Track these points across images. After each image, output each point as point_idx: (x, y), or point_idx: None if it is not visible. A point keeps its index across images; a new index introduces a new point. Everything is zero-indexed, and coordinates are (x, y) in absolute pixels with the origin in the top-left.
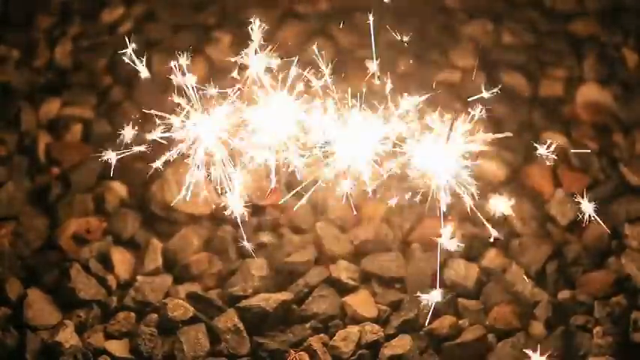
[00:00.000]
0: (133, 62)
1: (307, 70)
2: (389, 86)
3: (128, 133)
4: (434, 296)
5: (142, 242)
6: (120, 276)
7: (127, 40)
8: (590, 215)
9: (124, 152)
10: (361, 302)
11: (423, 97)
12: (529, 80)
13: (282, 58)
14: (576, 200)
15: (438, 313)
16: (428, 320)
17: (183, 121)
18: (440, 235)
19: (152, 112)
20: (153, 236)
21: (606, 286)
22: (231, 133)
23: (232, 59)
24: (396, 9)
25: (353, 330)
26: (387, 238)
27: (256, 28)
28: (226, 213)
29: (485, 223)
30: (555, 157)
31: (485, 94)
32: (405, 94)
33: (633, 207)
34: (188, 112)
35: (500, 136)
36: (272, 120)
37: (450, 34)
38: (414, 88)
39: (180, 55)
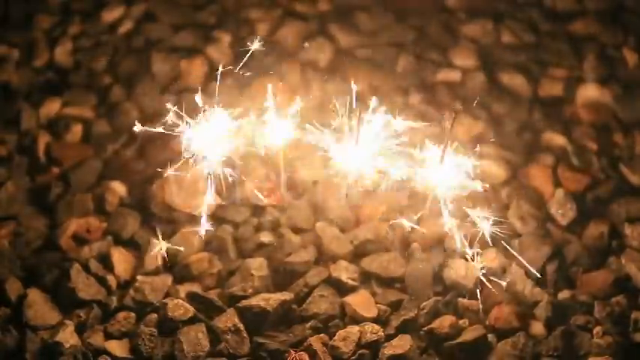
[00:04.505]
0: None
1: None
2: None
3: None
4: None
5: (142, 242)
6: (120, 276)
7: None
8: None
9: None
10: (361, 302)
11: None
12: (529, 80)
13: None
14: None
15: (438, 313)
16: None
17: (184, 122)
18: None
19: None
20: (153, 236)
21: (606, 286)
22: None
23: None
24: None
25: (353, 330)
26: (387, 238)
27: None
28: None
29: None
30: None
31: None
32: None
33: (633, 207)
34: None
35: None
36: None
37: (450, 34)
38: (414, 87)
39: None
